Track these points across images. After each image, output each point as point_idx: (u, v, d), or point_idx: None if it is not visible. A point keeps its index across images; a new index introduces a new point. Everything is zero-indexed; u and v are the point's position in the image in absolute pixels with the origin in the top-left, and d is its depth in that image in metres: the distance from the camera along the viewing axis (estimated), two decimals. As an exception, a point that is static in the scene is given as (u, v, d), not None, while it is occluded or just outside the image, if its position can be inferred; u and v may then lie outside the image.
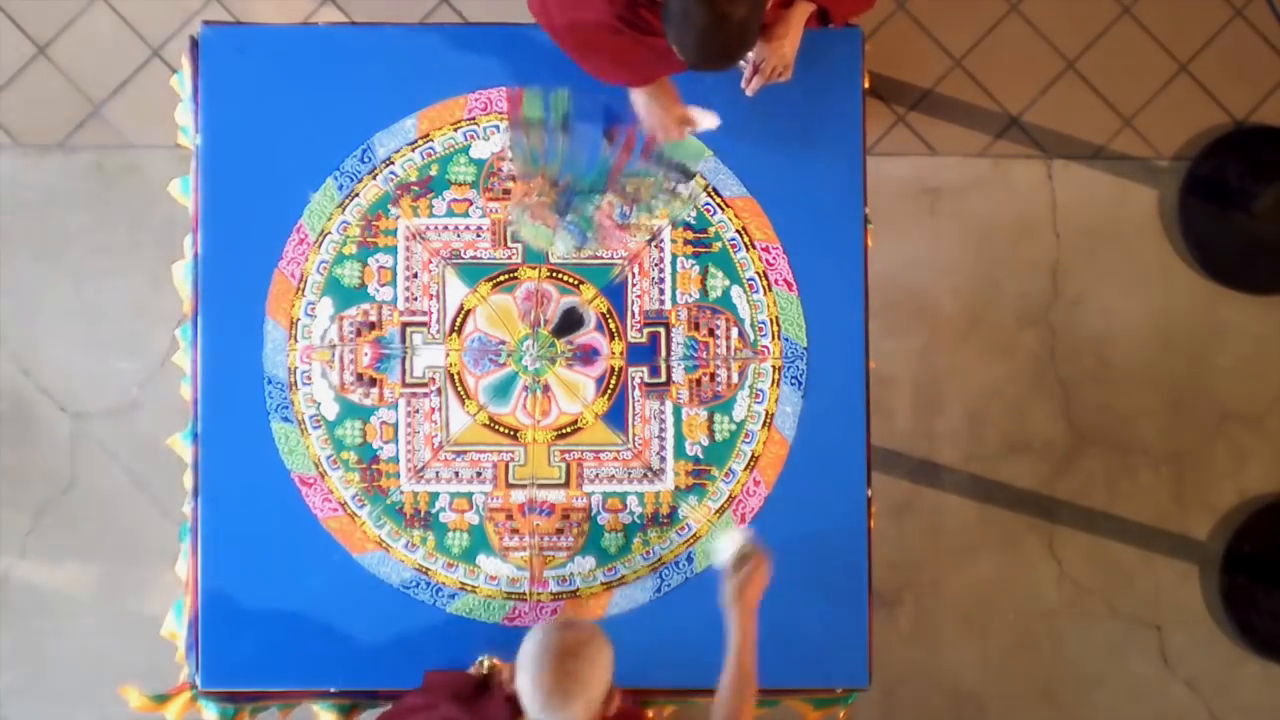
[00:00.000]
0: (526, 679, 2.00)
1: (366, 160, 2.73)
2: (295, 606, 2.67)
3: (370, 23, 2.95)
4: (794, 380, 2.73)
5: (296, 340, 2.72)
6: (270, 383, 2.71)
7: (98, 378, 3.59)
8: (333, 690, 2.70)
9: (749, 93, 2.63)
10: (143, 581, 3.52)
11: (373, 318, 2.73)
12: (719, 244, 2.75)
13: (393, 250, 2.74)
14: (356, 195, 2.73)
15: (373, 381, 2.73)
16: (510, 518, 2.73)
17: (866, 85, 2.77)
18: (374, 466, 2.72)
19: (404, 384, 2.73)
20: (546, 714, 1.99)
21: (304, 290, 2.72)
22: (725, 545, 2.48)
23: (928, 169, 3.66)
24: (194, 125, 2.73)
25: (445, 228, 2.74)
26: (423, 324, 2.74)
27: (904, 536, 3.60)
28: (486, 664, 2.15)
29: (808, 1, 2.55)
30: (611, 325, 2.74)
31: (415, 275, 2.74)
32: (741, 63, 2.58)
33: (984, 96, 3.69)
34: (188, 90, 2.75)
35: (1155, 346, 3.66)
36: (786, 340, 2.73)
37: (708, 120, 2.67)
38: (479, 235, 2.74)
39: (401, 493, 2.72)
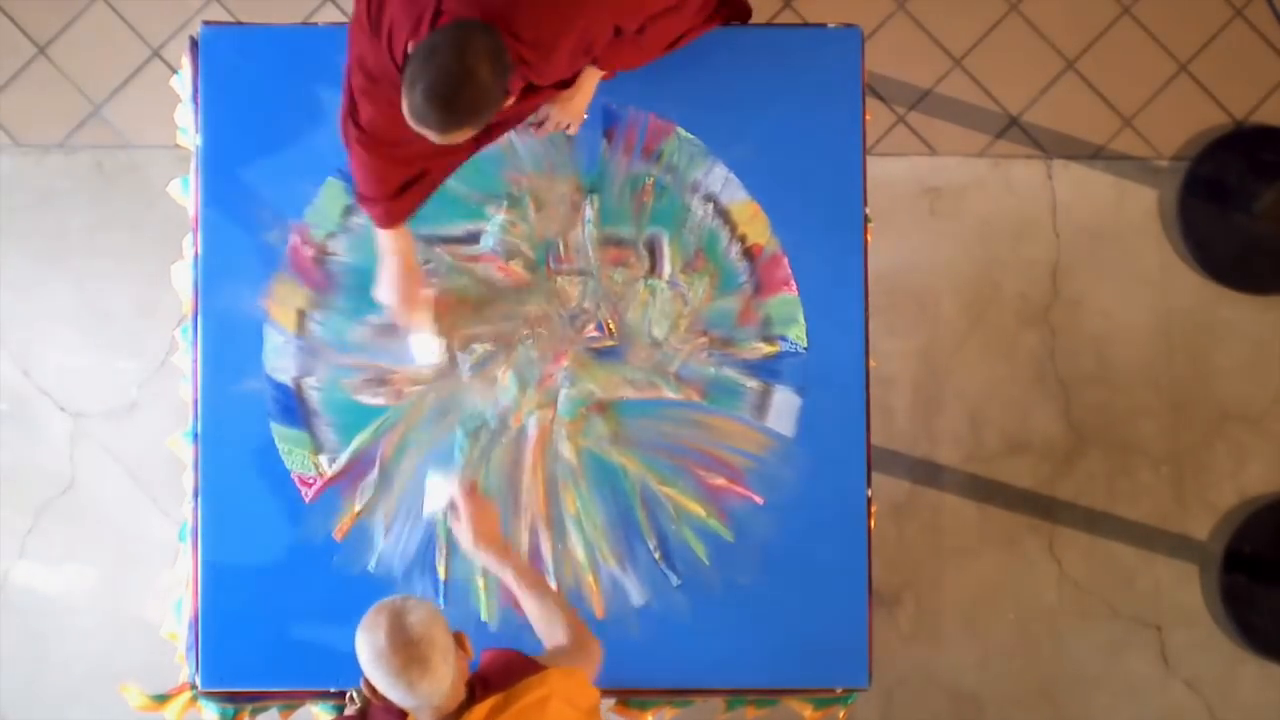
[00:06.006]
0: (384, 682, 2.05)
1: (366, 160, 2.72)
2: (295, 606, 2.67)
3: (370, 23, 2.94)
4: (793, 380, 2.72)
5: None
6: (270, 383, 2.70)
7: (98, 378, 3.59)
8: (333, 690, 2.70)
9: (537, 135, 2.66)
10: (143, 581, 3.52)
11: (373, 318, 2.73)
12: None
13: (392, 250, 2.73)
14: (356, 195, 2.73)
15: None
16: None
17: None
18: (374, 466, 2.72)
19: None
20: (418, 694, 2.05)
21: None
22: (433, 496, 2.48)
23: (928, 169, 3.66)
24: (194, 125, 2.73)
25: (445, 228, 2.74)
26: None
27: (904, 536, 3.60)
28: (356, 696, 2.18)
29: (596, 69, 2.54)
30: (610, 326, 2.73)
31: (415, 275, 2.73)
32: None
33: (984, 96, 3.69)
34: (188, 90, 2.75)
35: (1155, 346, 3.66)
36: (786, 340, 2.72)
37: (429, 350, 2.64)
38: (479, 235, 2.74)
39: (401, 493, 2.72)
